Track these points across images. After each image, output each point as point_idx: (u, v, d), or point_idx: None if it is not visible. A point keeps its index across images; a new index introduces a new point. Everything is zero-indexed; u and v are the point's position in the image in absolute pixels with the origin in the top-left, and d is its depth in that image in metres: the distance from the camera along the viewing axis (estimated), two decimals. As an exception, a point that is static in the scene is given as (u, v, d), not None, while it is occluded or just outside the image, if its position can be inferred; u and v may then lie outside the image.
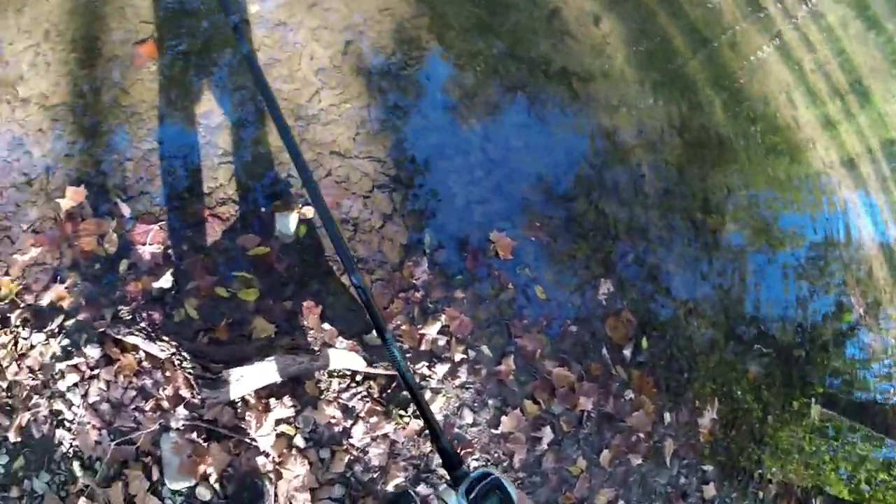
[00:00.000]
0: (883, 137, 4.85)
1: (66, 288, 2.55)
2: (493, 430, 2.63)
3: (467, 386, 2.64)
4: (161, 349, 2.40)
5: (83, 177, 2.75)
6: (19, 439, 2.40)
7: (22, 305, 2.52)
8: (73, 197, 2.67)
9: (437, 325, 2.64)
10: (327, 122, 2.98)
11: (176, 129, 2.90)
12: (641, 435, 2.88)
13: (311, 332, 2.55)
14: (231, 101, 3.01)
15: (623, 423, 2.85)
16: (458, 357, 2.63)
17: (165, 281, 2.54)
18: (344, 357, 2.49)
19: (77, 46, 3.09)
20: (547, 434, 2.68)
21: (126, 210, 2.66)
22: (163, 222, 2.66)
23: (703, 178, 3.66)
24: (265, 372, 2.38)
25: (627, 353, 2.95)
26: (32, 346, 2.48)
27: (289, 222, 2.68)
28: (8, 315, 2.49)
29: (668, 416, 2.96)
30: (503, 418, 2.64)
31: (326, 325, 2.56)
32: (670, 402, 3.00)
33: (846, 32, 5.79)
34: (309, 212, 2.72)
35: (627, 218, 3.25)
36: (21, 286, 2.55)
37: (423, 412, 1.39)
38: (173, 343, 2.42)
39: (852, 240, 4.03)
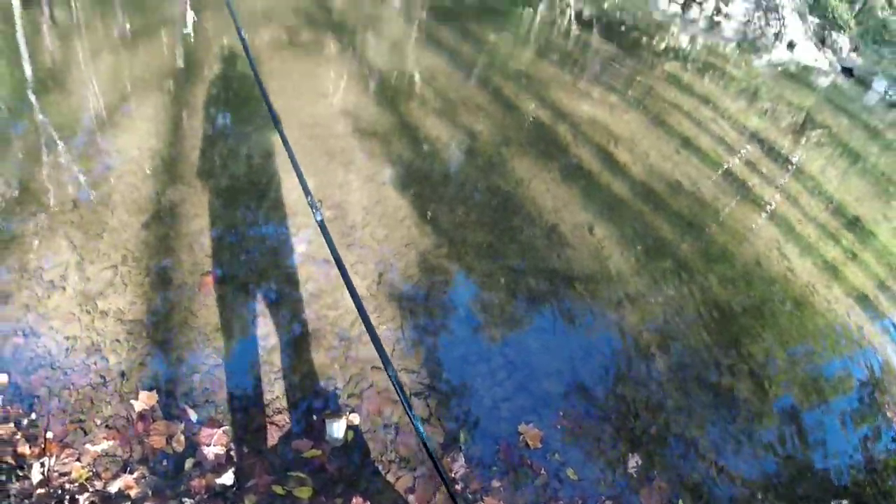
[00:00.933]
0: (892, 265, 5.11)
1: (135, 478, 2.81)
2: None
3: (512, 570, 2.83)
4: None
5: (155, 383, 3.15)
6: None
7: (90, 490, 2.76)
8: (145, 400, 3.05)
9: None
10: (367, 341, 3.44)
11: (238, 348, 3.36)
12: None
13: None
14: (282, 325, 3.51)
15: None
16: None
17: (227, 478, 2.82)
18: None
19: (151, 271, 3.74)
20: None
21: (193, 415, 3.02)
22: (226, 427, 2.99)
23: (717, 348, 3.94)
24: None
25: None
26: None
27: (338, 429, 3.01)
28: (77, 497, 2.73)
29: None
30: None
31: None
32: None
33: (827, 176, 6.26)
34: (356, 419, 3.07)
35: (645, 395, 3.53)
36: (91, 473, 2.82)
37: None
38: None
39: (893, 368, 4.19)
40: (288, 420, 3.08)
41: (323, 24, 8.74)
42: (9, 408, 3.02)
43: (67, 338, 3.35)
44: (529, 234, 4.51)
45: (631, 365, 3.66)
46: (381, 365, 3.25)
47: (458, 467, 2.99)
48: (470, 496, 2.92)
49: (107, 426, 2.98)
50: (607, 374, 3.58)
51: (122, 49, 7.37)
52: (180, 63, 6.60)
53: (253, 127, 5.44)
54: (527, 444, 3.13)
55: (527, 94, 7.23)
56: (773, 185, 6.18)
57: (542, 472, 3.07)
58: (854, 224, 5.90)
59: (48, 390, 3.11)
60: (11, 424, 2.96)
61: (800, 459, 3.56)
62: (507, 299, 3.91)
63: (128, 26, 8.11)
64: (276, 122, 2.94)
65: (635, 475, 3.19)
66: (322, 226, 2.06)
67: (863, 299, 5.06)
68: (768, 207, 5.72)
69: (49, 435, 2.93)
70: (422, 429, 1.39)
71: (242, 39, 3.45)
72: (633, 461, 3.23)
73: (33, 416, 3.00)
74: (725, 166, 6.13)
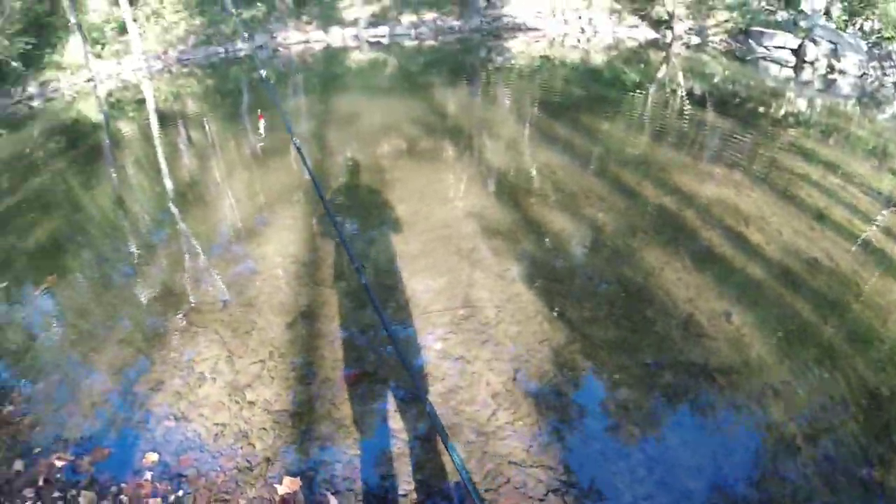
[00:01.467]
0: None
1: None
2: None
3: None
4: None
5: (299, 471, 3.42)
6: None
7: None
8: (288, 485, 3.31)
9: None
10: (503, 437, 3.58)
11: (376, 441, 3.62)
12: None
13: None
14: (419, 419, 3.75)
15: None
16: None
17: None
18: None
19: (295, 367, 4.16)
20: None
21: (333, 501, 3.22)
22: None
23: (866, 438, 3.72)
24: None
25: None
26: None
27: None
28: None
29: None
30: None
31: None
32: None
33: None
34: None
35: (791, 491, 3.39)
36: None
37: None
38: None
39: None
40: None
41: (439, 131, 9.38)
42: (158, 484, 3.36)
43: (216, 424, 3.74)
44: (664, 326, 4.52)
45: (776, 459, 3.54)
46: (518, 461, 3.40)
47: (601, 567, 3.02)
48: None
49: None
50: (751, 470, 3.47)
51: (253, 165, 8.21)
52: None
53: (378, 232, 5.88)
54: (669, 544, 3.11)
55: (646, 179, 7.29)
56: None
57: (688, 572, 3.03)
58: None
59: (196, 470, 3.45)
60: (159, 499, 3.27)
61: None
62: (644, 394, 3.92)
63: (259, 143, 9.03)
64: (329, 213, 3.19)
65: (782, 580, 3.09)
66: (367, 287, 2.21)
67: None
68: None
69: None
70: (459, 460, 1.45)
71: (298, 148, 3.86)
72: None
73: (181, 493, 3.32)
74: (863, 237, 5.86)
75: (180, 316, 4.79)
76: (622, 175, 7.52)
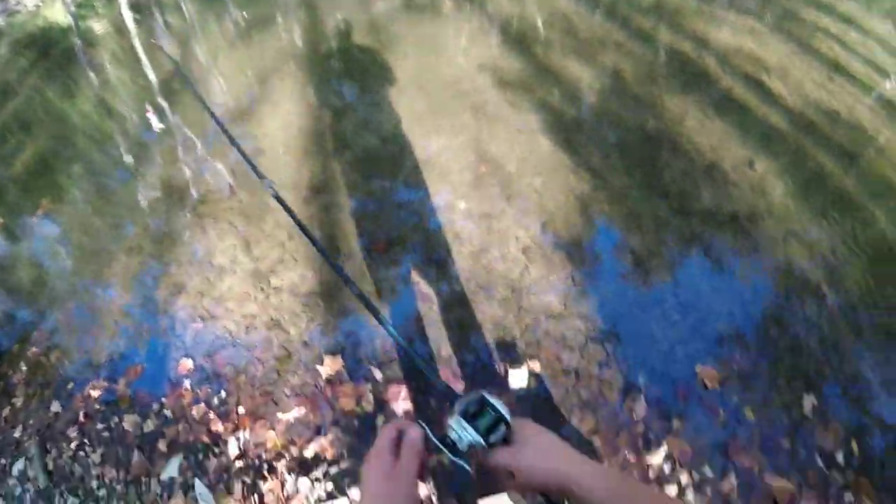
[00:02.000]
0: None
1: (329, 441, 3.07)
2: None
3: (696, 506, 2.97)
4: (420, 488, 2.84)
5: (338, 349, 3.44)
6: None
7: (287, 457, 3.04)
8: (331, 365, 3.33)
9: (661, 453, 2.98)
10: (538, 291, 3.62)
11: (415, 307, 3.63)
12: None
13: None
14: (454, 281, 3.76)
15: None
16: (683, 480, 2.94)
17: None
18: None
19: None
20: None
21: (378, 375, 3.29)
22: (412, 382, 3.25)
23: (887, 286, 3.83)
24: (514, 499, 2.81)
25: (841, 457, 3.08)
26: (297, 491, 2.94)
27: (520, 376, 3.22)
28: (274, 464, 3.02)
29: None
30: None
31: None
32: (892, 500, 3.10)
33: None
34: (536, 366, 3.27)
35: (818, 335, 3.51)
36: (286, 440, 3.10)
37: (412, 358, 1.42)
38: (429, 484, 2.86)
39: None
40: (471, 372, 3.28)
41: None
42: (198, 390, 3.33)
43: (245, 316, 3.67)
44: (689, 174, 4.48)
45: (803, 304, 3.63)
46: (555, 314, 3.46)
47: (640, 408, 3.12)
48: (652, 437, 3.06)
49: (296, 394, 3.26)
50: (779, 314, 3.56)
51: (239, 42, 7.64)
52: (299, 43, 6.83)
53: (380, 95, 5.69)
54: (704, 385, 3.21)
55: (662, 25, 6.96)
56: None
57: (721, 412, 3.14)
58: None
59: (233, 368, 3.41)
60: (203, 405, 3.26)
61: None
62: (673, 242, 3.95)
63: (242, 17, 8.39)
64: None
65: (811, 415, 3.22)
66: (278, 198, 2.09)
67: None
68: None
69: (241, 410, 3.21)
70: (392, 329, 1.44)
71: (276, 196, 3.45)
72: (809, 402, 3.25)
73: (223, 394, 3.30)
74: (881, 92, 5.75)
75: (187, 212, 4.52)
76: (636, 20, 7.17)
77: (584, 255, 3.85)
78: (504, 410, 1.05)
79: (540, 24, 7.16)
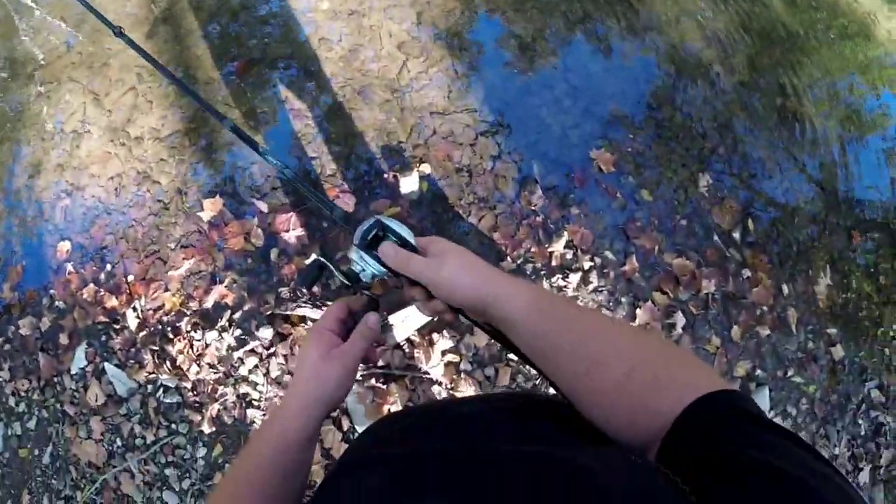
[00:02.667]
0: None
1: (226, 286, 2.90)
2: (632, 324, 2.87)
3: (600, 289, 2.89)
4: (327, 314, 2.74)
5: (215, 189, 3.11)
6: (213, 429, 2.80)
7: (188, 313, 2.89)
8: (211, 207, 3.03)
9: (562, 241, 2.90)
10: (420, 88, 3.27)
11: (289, 127, 3.25)
12: (765, 308, 3.07)
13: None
14: (329, 91, 3.35)
15: (745, 299, 3.05)
16: (586, 265, 2.89)
17: (315, 257, 2.88)
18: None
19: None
20: (679, 319, 2.91)
21: (263, 206, 3.00)
22: (301, 207, 2.98)
23: (777, 69, 3.76)
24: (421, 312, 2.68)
25: (737, 235, 3.12)
26: (207, 345, 2.84)
27: (411, 182, 2.98)
28: (178, 324, 2.87)
29: (786, 288, 3.14)
30: (638, 312, 2.88)
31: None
32: (786, 275, 3.17)
33: None
34: (427, 168, 3.01)
35: (711, 115, 3.42)
36: (183, 297, 2.92)
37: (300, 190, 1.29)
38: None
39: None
40: (359, 185, 3.04)
41: None
42: (82, 270, 3.10)
43: (111, 178, 3.29)
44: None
45: (695, 84, 3.50)
46: (440, 110, 3.14)
47: (537, 199, 2.98)
48: (552, 226, 2.94)
49: (182, 247, 3.02)
50: (673, 94, 3.43)
51: None
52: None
53: None
54: (600, 169, 3.09)
55: None
56: None
57: (618, 195, 3.07)
58: None
59: (113, 237, 3.13)
60: (91, 285, 3.05)
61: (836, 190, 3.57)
62: (563, 24, 3.62)
63: None
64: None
65: (706, 194, 3.19)
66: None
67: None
68: None
69: (130, 279, 3.01)
70: (272, 159, 1.28)
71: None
72: (704, 181, 3.21)
73: (108, 267, 3.07)
74: None
75: (27, 82, 3.86)
76: None
77: (466, 45, 3.46)
78: (405, 232, 0.98)
79: None
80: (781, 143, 3.50)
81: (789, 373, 3.07)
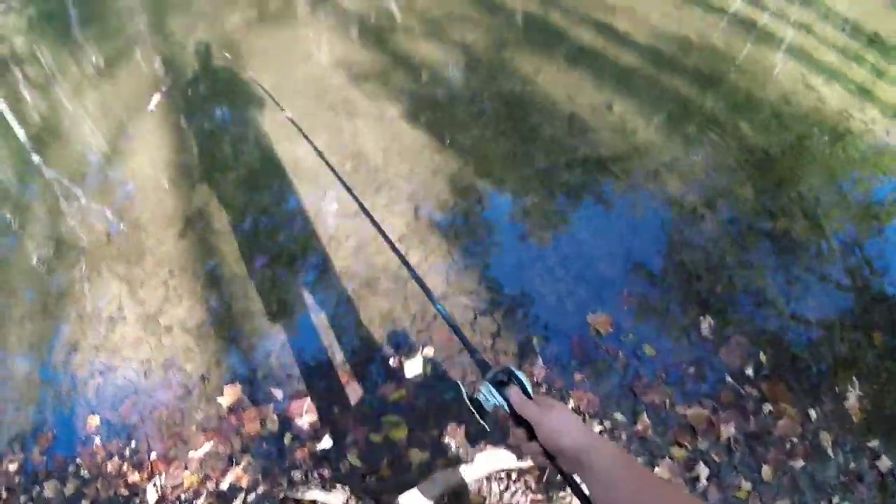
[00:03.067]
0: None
1: (243, 469, 2.99)
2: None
3: (614, 453, 2.89)
4: (337, 497, 2.79)
5: (235, 376, 3.32)
6: None
7: (205, 492, 2.96)
8: (231, 394, 3.23)
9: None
10: (421, 275, 3.48)
11: (303, 320, 3.51)
12: (794, 439, 2.94)
13: (461, 447, 2.89)
14: (338, 285, 3.63)
15: (771, 435, 2.95)
16: (596, 430, 2.90)
17: (326, 442, 2.98)
18: (495, 458, 2.79)
19: (199, 275, 3.89)
20: (702, 470, 2.83)
21: (279, 394, 3.18)
22: (312, 394, 3.14)
23: (764, 195, 3.88)
24: (429, 490, 2.72)
25: (750, 371, 3.08)
26: None
27: (415, 365, 3.11)
28: (194, 502, 2.94)
29: (813, 413, 3.00)
30: (656, 470, 2.83)
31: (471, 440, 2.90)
32: (810, 399, 3.10)
33: None
34: (430, 351, 3.16)
35: (703, 258, 3.52)
36: (201, 476, 3.01)
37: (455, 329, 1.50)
38: (346, 489, 2.81)
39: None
40: (368, 371, 3.19)
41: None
42: (109, 445, 3.21)
43: (142, 362, 3.54)
44: (549, 128, 4.45)
45: (682, 230, 3.64)
46: (440, 294, 3.34)
47: (538, 370, 3.06)
48: (556, 394, 2.99)
49: (203, 430, 3.15)
50: (661, 245, 3.57)
51: (101, 83, 7.27)
52: (161, 73, 6.55)
53: (248, 111, 5.42)
54: (598, 332, 3.17)
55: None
56: (785, 19, 5.90)
57: (620, 354, 3.11)
58: (874, 41, 5.63)
59: (139, 416, 3.29)
60: (116, 458, 3.15)
61: (870, 288, 3.52)
62: (546, 199, 3.91)
63: (99, 56, 7.98)
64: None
65: (711, 337, 3.21)
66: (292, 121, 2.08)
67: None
68: (784, 43, 5.50)
69: (153, 456, 3.11)
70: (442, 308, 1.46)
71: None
72: (706, 324, 3.24)
73: (133, 443, 3.19)
74: (731, 11, 5.88)
75: (72, 266, 4.29)
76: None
77: (460, 230, 3.76)
78: (526, 383, 1.17)
79: (393, 11, 7.02)
80: (780, 266, 3.54)
81: (834, 500, 2.94)
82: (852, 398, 3.09)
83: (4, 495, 3.19)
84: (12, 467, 3.28)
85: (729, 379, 3.07)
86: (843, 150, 4.28)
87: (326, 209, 4.11)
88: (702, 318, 3.26)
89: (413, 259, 3.60)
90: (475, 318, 3.26)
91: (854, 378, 3.16)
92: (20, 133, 6.79)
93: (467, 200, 3.96)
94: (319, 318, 3.47)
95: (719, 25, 5.63)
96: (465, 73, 5.43)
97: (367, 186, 4.19)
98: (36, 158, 5.89)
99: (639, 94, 4.74)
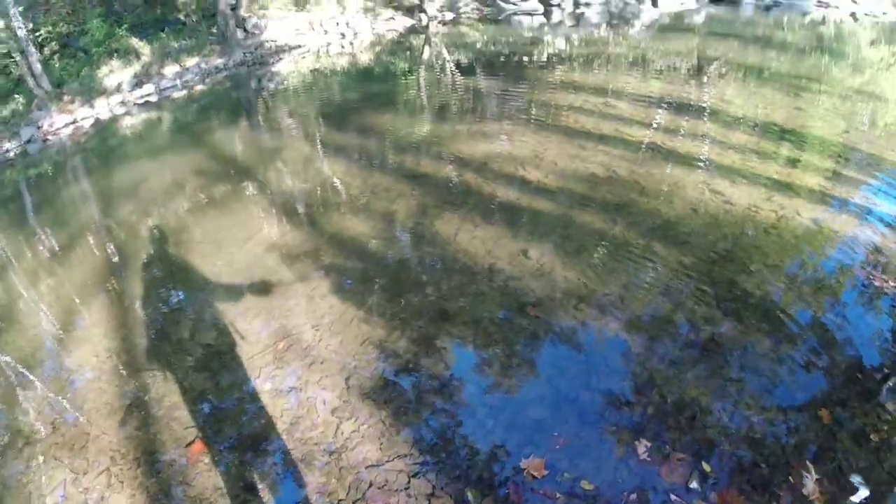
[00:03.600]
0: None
1: None
2: None
3: None
4: None
5: None
6: None
7: None
8: None
9: None
10: (353, 446, 3.50)
11: (241, 501, 3.41)
12: None
13: None
14: (273, 462, 3.59)
15: None
16: None
17: None
18: None
19: (140, 461, 3.83)
20: None
21: None
22: None
23: (695, 303, 4.02)
24: None
25: (695, 484, 3.05)
26: None
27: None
28: None
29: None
30: None
31: None
32: (765, 497, 2.99)
33: (739, 102, 6.38)
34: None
35: (629, 382, 3.58)
36: None
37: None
38: None
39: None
40: None
41: (230, 172, 8.97)
42: None
43: None
44: (472, 284, 4.65)
45: (607, 359, 3.73)
46: (374, 462, 3.32)
47: (477, 527, 3.00)
48: (498, 548, 2.92)
49: None
50: (586, 378, 3.64)
51: (55, 267, 7.47)
52: (116, 259, 6.77)
53: (188, 295, 5.54)
54: (534, 477, 3.15)
55: (429, 157, 7.46)
56: (692, 134, 6.34)
57: (558, 495, 3.08)
58: (783, 135, 6.07)
59: None
60: None
61: (813, 365, 3.65)
62: (473, 353, 4.03)
63: (54, 245, 8.23)
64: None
65: (649, 459, 3.21)
66: None
67: (818, 195, 5.25)
68: (698, 158, 5.89)
69: None
70: None
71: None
72: (642, 447, 3.25)
73: None
74: (632, 140, 6.31)
75: (16, 458, 4.23)
76: (405, 160, 7.65)
77: (390, 397, 3.81)
78: None
79: (325, 191, 7.38)
80: (710, 373, 3.60)
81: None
82: (810, 484, 3.06)
83: None
84: None
85: (675, 497, 3.03)
86: (778, 241, 4.54)
87: (261, 388, 4.14)
88: (637, 442, 3.27)
89: (347, 430, 3.61)
90: (408, 482, 3.23)
91: (808, 462, 3.14)
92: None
93: (396, 366, 4.04)
94: (258, 499, 3.42)
95: (624, 156, 6.01)
96: (388, 241, 5.69)
97: (300, 363, 4.24)
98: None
99: (552, 235, 4.98)
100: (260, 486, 3.47)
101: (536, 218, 5.31)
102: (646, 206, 5.10)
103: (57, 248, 8.15)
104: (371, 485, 3.27)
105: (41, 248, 8.46)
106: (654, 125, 6.57)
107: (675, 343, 3.80)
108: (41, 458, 4.15)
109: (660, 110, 6.91)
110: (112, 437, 4.09)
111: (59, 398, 4.71)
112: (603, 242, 4.76)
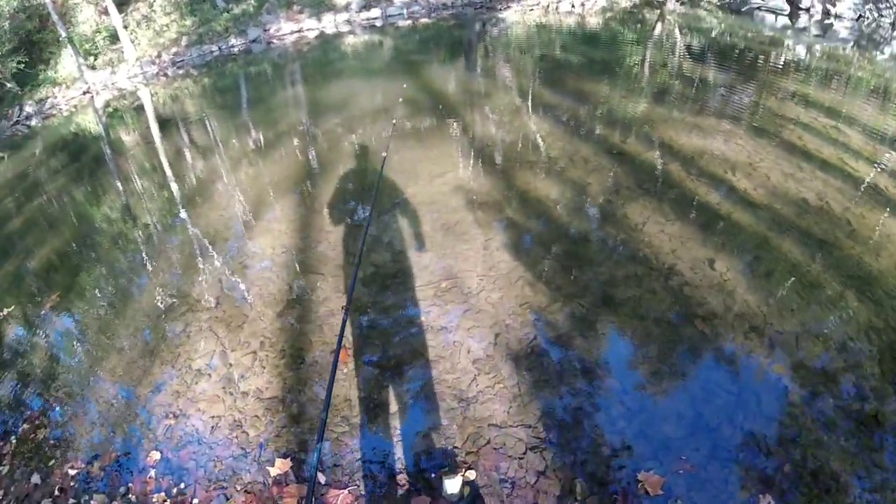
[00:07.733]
0: None
1: None
2: None
3: None
4: None
5: (290, 452, 3.58)
6: None
7: None
8: (280, 467, 3.47)
9: None
10: (484, 401, 3.63)
11: (364, 416, 3.72)
12: None
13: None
14: (405, 391, 3.84)
15: None
16: None
17: None
18: None
19: (285, 354, 4.27)
20: None
21: (322, 478, 3.35)
22: (352, 488, 3.27)
23: (855, 373, 3.70)
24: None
25: None
26: None
27: (454, 485, 3.15)
28: None
29: None
30: None
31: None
32: None
33: None
34: (472, 474, 3.21)
35: (777, 432, 3.37)
36: None
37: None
38: None
39: None
40: (408, 479, 3.29)
41: (437, 107, 9.31)
42: (161, 479, 3.56)
43: (213, 417, 3.91)
44: (646, 280, 4.52)
45: (760, 399, 3.53)
46: (498, 423, 3.42)
47: (576, 518, 3.03)
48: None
49: (245, 491, 3.40)
50: (733, 411, 3.46)
51: (256, 159, 8.24)
52: (315, 165, 7.30)
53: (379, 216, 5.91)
54: (647, 492, 3.09)
55: (635, 138, 7.23)
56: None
57: (666, 518, 3.02)
58: None
59: (195, 462, 3.62)
60: (163, 493, 3.47)
61: None
62: (625, 349, 3.96)
63: (260, 137, 9.04)
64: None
65: (771, 514, 3.06)
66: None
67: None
68: None
69: (195, 502, 3.40)
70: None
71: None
72: (765, 501, 3.10)
73: (182, 485, 3.50)
74: (855, 174, 5.74)
75: (178, 319, 4.94)
76: (611, 135, 7.48)
77: (533, 366, 3.86)
78: None
79: (522, 145, 7.46)
80: (861, 452, 3.31)
81: None
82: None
83: (57, 493, 3.59)
84: (72, 472, 3.71)
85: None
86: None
87: (415, 319, 4.42)
88: (761, 495, 3.12)
89: (482, 383, 3.73)
90: (525, 451, 3.30)
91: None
92: (174, 187, 7.78)
93: (546, 339, 4.07)
94: (381, 418, 3.68)
95: (841, 188, 5.51)
96: (573, 212, 5.66)
97: (457, 307, 4.41)
98: (183, 214, 6.74)
99: (745, 252, 4.71)
100: (386, 409, 3.72)
101: (733, 229, 5.02)
102: (850, 251, 4.65)
103: (262, 142, 8.94)
104: (488, 442, 3.39)
105: (248, 138, 9.33)
106: (883, 165, 5.92)
107: (836, 406, 3.49)
108: (199, 326, 4.76)
109: (893, 151, 6.21)
110: (267, 324, 4.57)
111: (231, 277, 5.34)
112: (795, 276, 4.43)
